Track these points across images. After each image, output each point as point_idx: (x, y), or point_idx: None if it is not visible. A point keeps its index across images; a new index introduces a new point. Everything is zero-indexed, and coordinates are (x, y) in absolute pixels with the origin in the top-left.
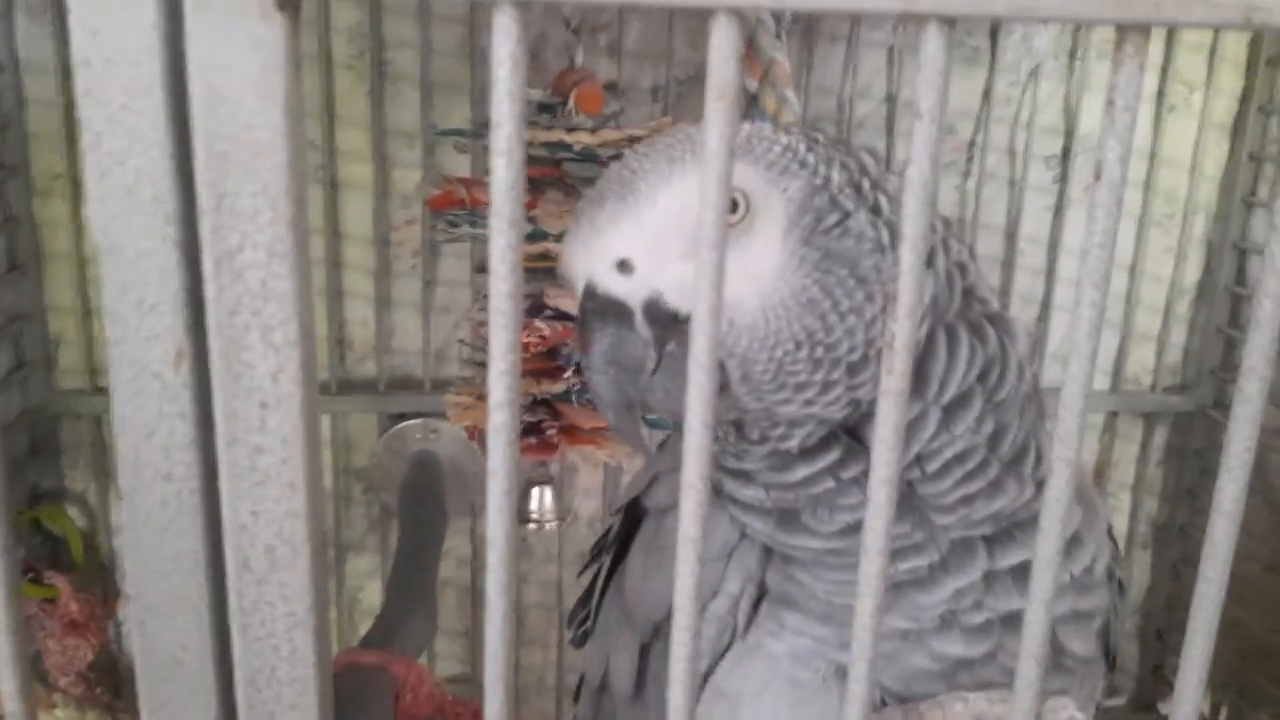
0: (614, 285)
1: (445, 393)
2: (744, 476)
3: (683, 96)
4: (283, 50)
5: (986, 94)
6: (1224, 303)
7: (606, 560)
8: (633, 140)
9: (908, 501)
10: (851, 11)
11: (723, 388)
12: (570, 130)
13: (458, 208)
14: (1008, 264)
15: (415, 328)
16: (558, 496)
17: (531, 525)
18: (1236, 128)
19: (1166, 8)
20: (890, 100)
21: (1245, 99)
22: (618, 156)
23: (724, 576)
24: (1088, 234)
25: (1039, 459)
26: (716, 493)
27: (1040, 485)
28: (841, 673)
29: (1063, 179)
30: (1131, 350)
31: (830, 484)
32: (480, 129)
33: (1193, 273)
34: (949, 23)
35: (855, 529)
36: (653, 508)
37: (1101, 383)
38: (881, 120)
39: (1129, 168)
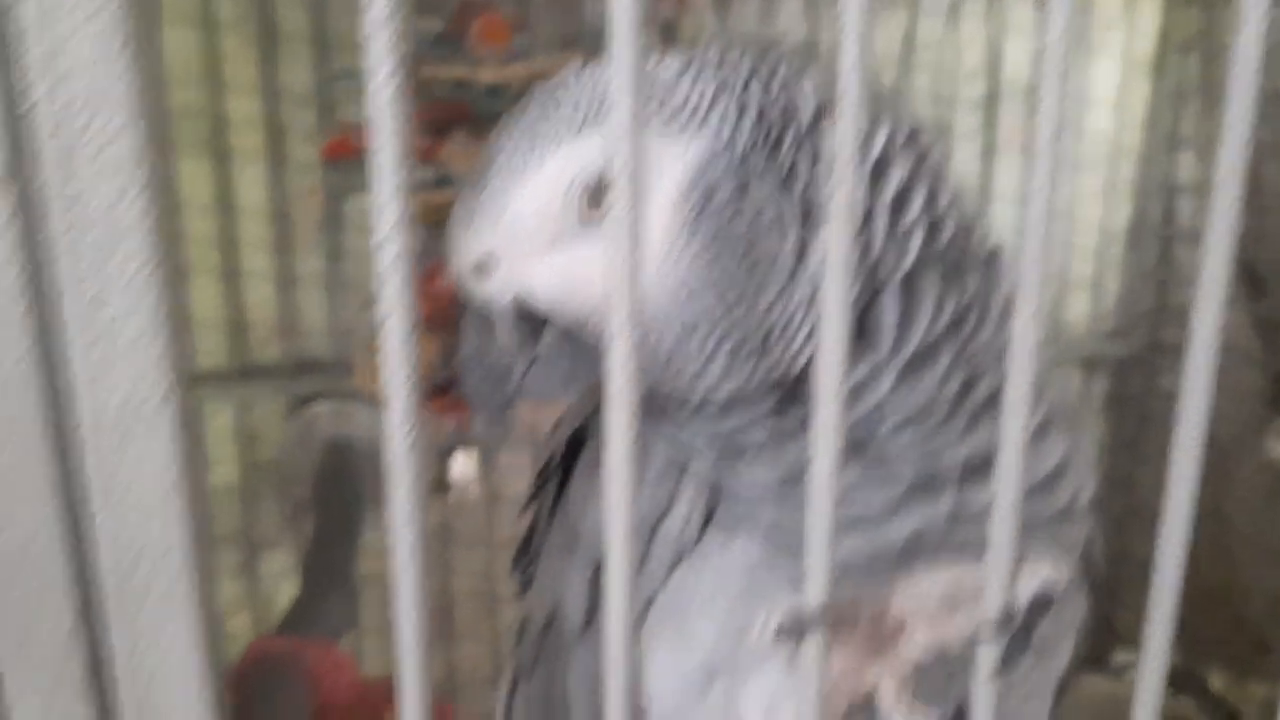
0: (476, 289)
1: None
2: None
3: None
4: None
5: (909, 38)
6: (1154, 245)
7: (551, 490)
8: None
9: (861, 446)
10: None
11: None
12: (474, 66)
13: (355, 157)
14: None
15: (321, 305)
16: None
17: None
18: (1157, 66)
19: None
20: (810, 46)
21: (1165, 37)
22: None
23: (675, 494)
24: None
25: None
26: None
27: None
28: (793, 580)
29: (990, 124)
30: (1066, 297)
31: (763, 435)
32: None
33: (1122, 215)
34: None
35: (794, 479)
36: (595, 431)
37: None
38: None
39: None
